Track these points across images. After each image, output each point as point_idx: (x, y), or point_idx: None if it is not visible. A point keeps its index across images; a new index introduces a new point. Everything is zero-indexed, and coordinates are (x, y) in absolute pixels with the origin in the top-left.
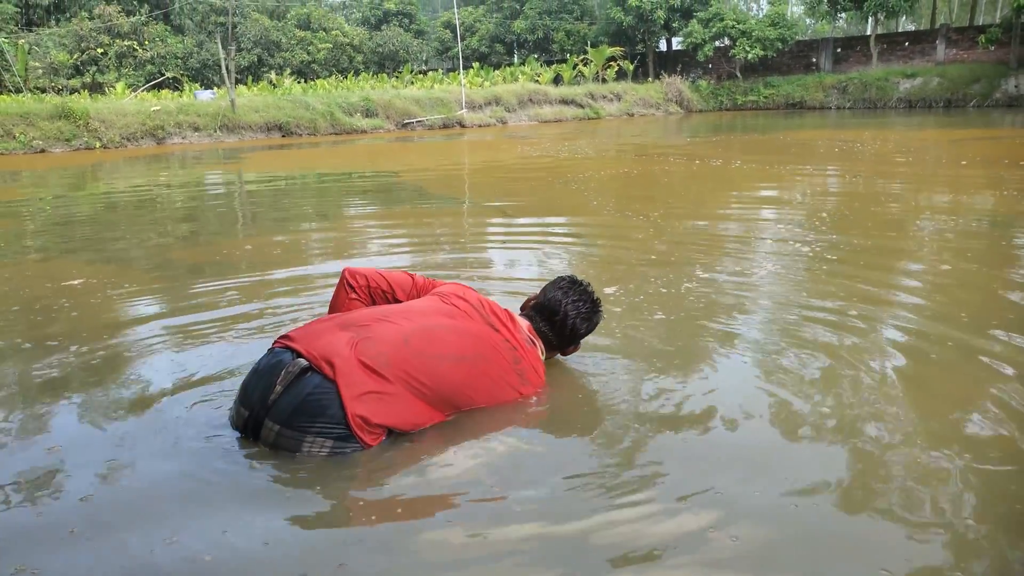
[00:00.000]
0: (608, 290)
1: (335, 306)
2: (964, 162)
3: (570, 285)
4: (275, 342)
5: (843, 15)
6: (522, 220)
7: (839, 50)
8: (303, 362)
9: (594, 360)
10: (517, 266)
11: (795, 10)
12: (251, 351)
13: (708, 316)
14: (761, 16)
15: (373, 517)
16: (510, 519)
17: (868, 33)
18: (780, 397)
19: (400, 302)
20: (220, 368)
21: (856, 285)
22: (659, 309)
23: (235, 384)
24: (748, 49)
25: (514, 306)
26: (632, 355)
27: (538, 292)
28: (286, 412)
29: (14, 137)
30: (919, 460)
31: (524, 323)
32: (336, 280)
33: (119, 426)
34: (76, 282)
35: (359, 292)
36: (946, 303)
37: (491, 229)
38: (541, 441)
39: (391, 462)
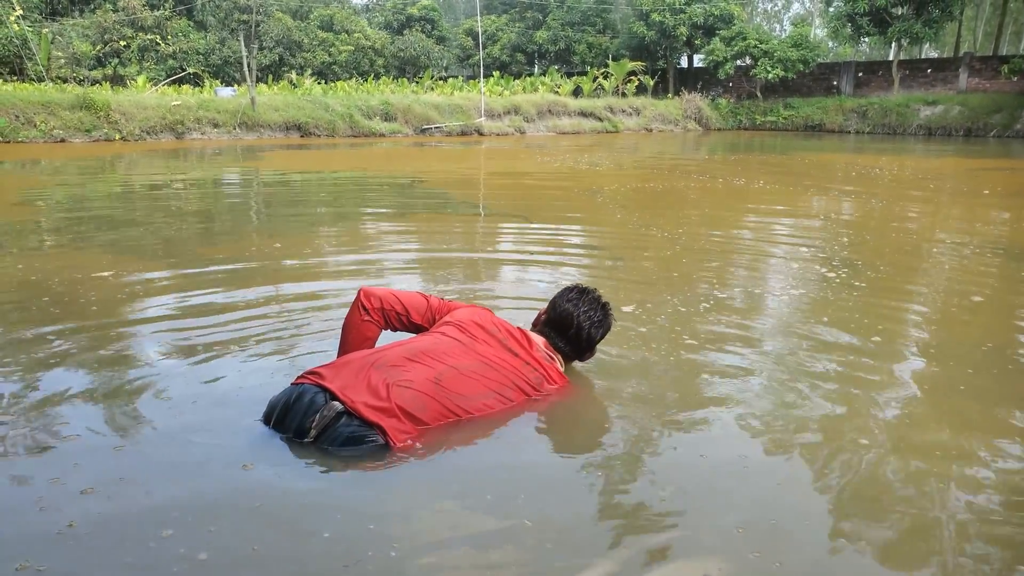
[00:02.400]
0: (626, 308)
1: (349, 327)
2: (986, 191)
3: (579, 296)
4: (305, 377)
5: (866, 39)
6: (545, 230)
7: (860, 74)
8: (338, 406)
9: (610, 384)
10: (537, 279)
11: (818, 32)
12: (265, 355)
13: (725, 340)
14: (784, 37)
15: (377, 528)
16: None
17: (891, 58)
18: (799, 428)
19: (415, 324)
20: (232, 370)
21: (879, 313)
22: (679, 330)
23: (242, 385)
24: (769, 69)
25: (526, 317)
26: (646, 379)
27: (547, 306)
28: (323, 445)
29: (35, 126)
30: (925, 492)
31: (540, 340)
32: (355, 290)
33: (130, 420)
34: (107, 273)
35: (373, 314)
36: (969, 335)
37: (515, 239)
38: (546, 470)
39: (393, 483)
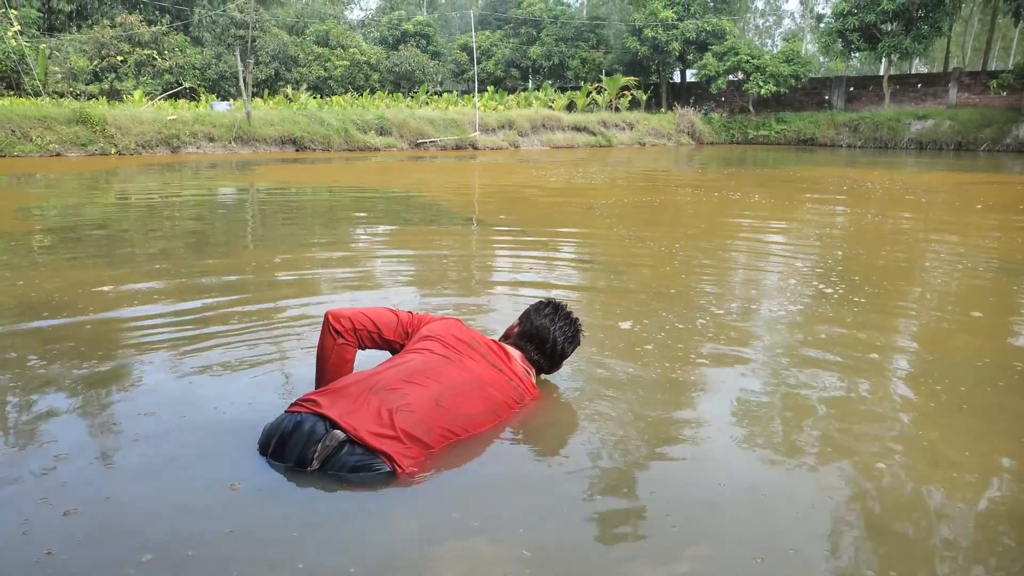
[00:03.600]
0: (624, 325)
1: (326, 353)
2: (979, 206)
3: (554, 311)
4: (300, 405)
5: (857, 55)
6: (542, 244)
7: (852, 89)
8: (340, 434)
9: (608, 401)
10: (534, 295)
11: (809, 47)
12: (262, 374)
13: (726, 360)
14: (776, 52)
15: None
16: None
17: (881, 73)
18: (791, 447)
19: (388, 341)
20: (229, 389)
21: (878, 329)
22: (677, 345)
23: (238, 404)
24: (761, 84)
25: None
26: (647, 400)
27: (519, 319)
28: (328, 472)
29: (31, 140)
30: (913, 504)
31: (517, 354)
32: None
33: (122, 440)
34: (106, 288)
35: (347, 336)
36: (967, 350)
37: (513, 253)
38: (548, 498)
39: (386, 513)
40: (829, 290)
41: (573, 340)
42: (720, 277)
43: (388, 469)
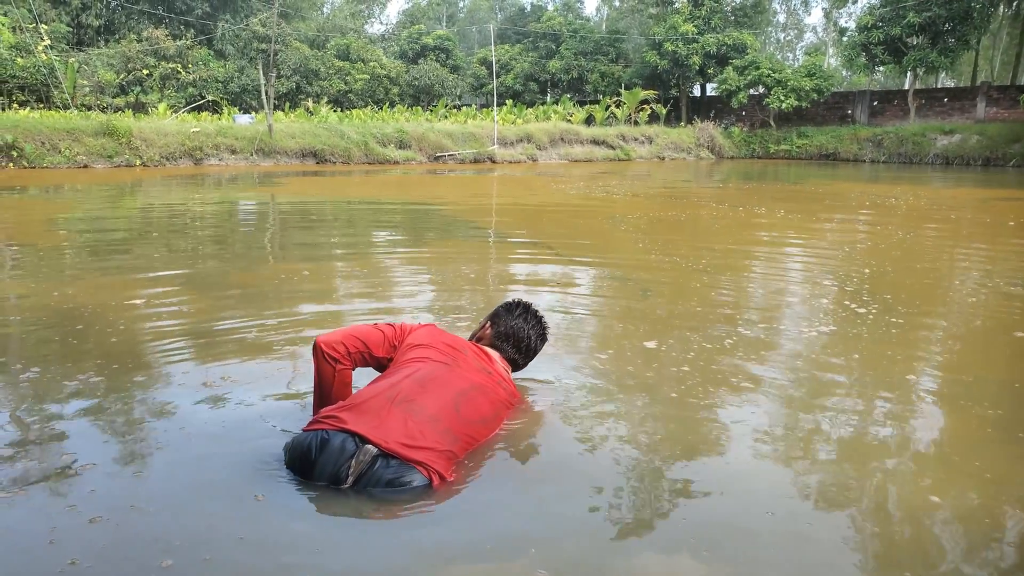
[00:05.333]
0: (649, 344)
1: (325, 381)
2: (1011, 223)
3: (524, 311)
4: (322, 423)
5: (881, 68)
6: (567, 260)
7: (875, 103)
8: (372, 449)
9: (626, 424)
10: (564, 310)
11: (832, 61)
12: (291, 383)
13: (756, 382)
14: (797, 66)
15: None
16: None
17: (906, 87)
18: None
19: (377, 358)
20: (259, 401)
21: (914, 351)
22: (711, 367)
23: (267, 415)
24: (783, 98)
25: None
26: (671, 424)
27: (490, 321)
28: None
29: (60, 152)
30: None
31: (495, 354)
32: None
33: (151, 448)
34: (139, 301)
35: (343, 361)
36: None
37: (538, 268)
38: (572, 523)
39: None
40: (862, 310)
41: (543, 337)
42: (748, 295)
43: (425, 480)
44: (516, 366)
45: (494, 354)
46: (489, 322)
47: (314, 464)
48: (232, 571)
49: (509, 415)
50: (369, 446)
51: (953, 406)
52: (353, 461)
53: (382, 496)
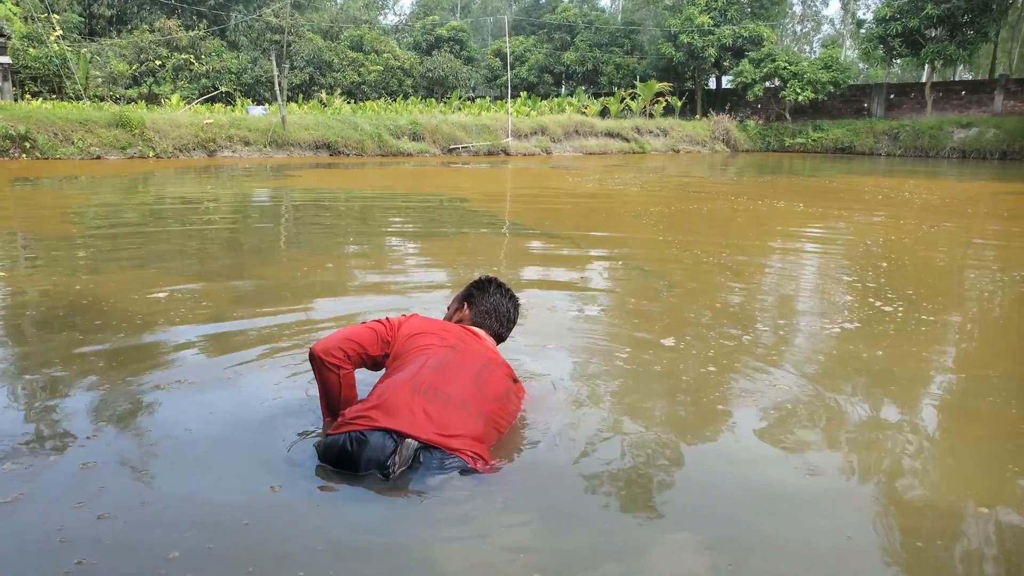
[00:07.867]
0: (666, 342)
1: (331, 388)
2: None
3: (498, 286)
4: (353, 424)
5: (898, 61)
6: (587, 253)
7: (892, 96)
8: (413, 443)
9: (641, 424)
10: (585, 304)
11: (849, 54)
12: (309, 378)
13: (783, 383)
14: (814, 59)
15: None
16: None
17: (923, 80)
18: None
19: (373, 357)
20: (276, 393)
21: (941, 347)
22: (733, 364)
23: (276, 408)
24: (799, 91)
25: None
26: (693, 427)
27: (464, 301)
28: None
29: (73, 143)
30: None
31: (481, 331)
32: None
33: (168, 441)
34: (161, 295)
35: (345, 365)
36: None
37: (559, 262)
38: (599, 538)
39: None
40: (889, 308)
41: (517, 308)
42: (769, 291)
43: (468, 466)
44: (500, 339)
45: (480, 332)
46: (465, 303)
47: (358, 463)
48: (239, 554)
49: (520, 399)
50: (409, 440)
51: (986, 404)
52: (397, 457)
53: (400, 487)
